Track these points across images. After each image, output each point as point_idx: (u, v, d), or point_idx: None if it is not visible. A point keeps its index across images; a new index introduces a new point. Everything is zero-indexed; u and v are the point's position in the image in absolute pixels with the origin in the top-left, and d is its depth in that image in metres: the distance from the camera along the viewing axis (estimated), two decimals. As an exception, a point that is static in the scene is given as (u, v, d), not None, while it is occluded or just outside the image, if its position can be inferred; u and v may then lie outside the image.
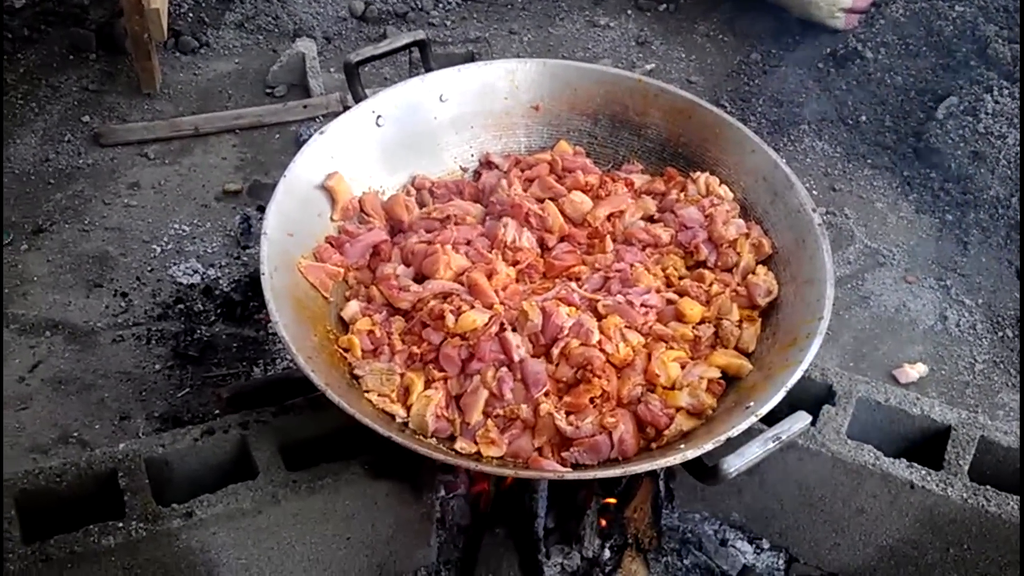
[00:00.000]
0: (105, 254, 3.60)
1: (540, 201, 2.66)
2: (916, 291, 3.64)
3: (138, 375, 3.23)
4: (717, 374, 2.35)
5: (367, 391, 2.28)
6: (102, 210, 3.76)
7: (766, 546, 2.82)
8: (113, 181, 3.87)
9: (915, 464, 2.54)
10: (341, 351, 2.36)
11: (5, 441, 2.99)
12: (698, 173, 2.71)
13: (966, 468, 2.53)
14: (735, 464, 2.04)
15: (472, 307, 2.36)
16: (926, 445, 2.64)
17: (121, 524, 2.27)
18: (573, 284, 2.47)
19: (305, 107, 4.14)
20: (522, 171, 2.76)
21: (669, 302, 2.47)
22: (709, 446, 2.08)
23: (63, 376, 3.21)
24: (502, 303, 2.40)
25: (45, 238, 3.63)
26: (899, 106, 4.22)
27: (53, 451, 3.00)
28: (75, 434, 3.06)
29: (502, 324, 2.33)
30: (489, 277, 2.45)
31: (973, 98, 4.03)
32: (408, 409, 2.27)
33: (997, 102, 3.98)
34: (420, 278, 2.51)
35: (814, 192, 3.93)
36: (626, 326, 2.39)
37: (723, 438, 2.08)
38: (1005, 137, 3.87)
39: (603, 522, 2.62)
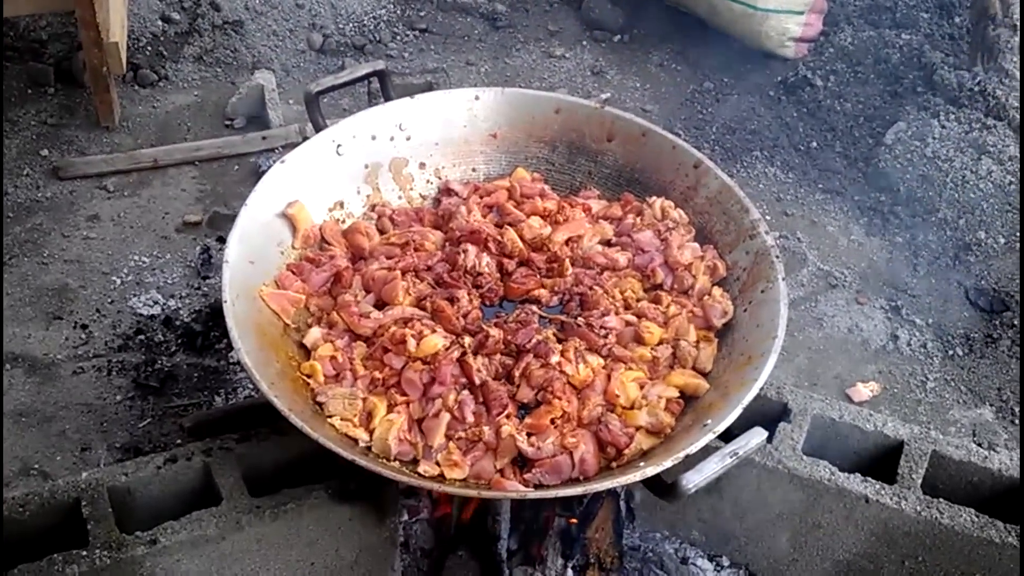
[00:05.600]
0: (65, 286, 3.59)
1: (499, 227, 2.70)
2: (868, 312, 3.71)
3: (99, 406, 3.22)
4: (675, 393, 2.40)
5: (330, 416, 2.30)
6: (61, 243, 3.76)
7: (726, 563, 2.86)
8: (72, 214, 3.87)
9: (869, 479, 2.59)
10: (303, 377, 2.37)
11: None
12: (654, 198, 2.77)
13: (919, 482, 2.59)
14: (693, 480, 2.08)
15: (433, 331, 2.39)
16: (880, 460, 2.70)
17: (85, 553, 2.27)
18: (534, 307, 2.52)
19: (264, 138, 4.16)
20: (481, 198, 2.80)
21: (628, 324, 2.52)
22: (668, 463, 2.12)
23: (23, 408, 3.20)
24: (465, 328, 2.44)
25: (4, 271, 3.62)
26: (849, 132, 4.31)
27: (14, 483, 2.98)
28: (36, 466, 3.04)
29: (463, 350, 2.37)
30: (451, 302, 2.48)
31: (920, 123, 4.12)
32: (371, 433, 2.29)
33: (944, 127, 4.07)
34: (381, 304, 2.54)
35: (767, 216, 4.00)
36: (586, 348, 2.43)
37: (682, 455, 2.12)
38: (952, 161, 3.96)
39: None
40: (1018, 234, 3.80)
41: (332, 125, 2.73)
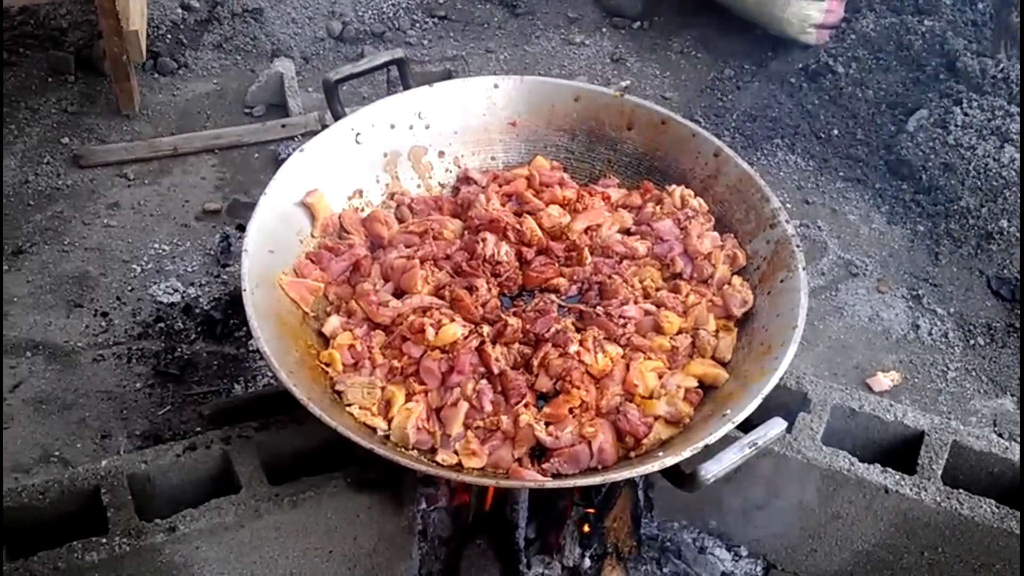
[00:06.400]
0: (85, 274, 3.61)
1: (518, 215, 2.70)
2: (889, 301, 3.69)
3: (119, 394, 3.23)
4: (694, 383, 2.38)
5: (349, 405, 2.30)
6: (82, 231, 3.77)
7: (744, 553, 2.85)
8: (92, 202, 3.88)
9: (889, 469, 2.57)
10: (322, 366, 2.37)
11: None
12: (673, 186, 2.75)
13: (939, 472, 2.58)
14: (712, 470, 2.07)
15: (452, 320, 2.39)
16: (900, 451, 2.68)
17: (104, 540, 2.29)
18: (552, 296, 2.51)
19: (284, 126, 4.17)
20: (500, 186, 2.79)
21: (647, 313, 2.51)
22: (687, 453, 2.11)
23: (44, 396, 3.21)
24: (483, 318, 2.43)
25: (25, 259, 3.64)
26: (870, 119, 4.28)
27: (35, 470, 3.00)
28: (56, 453, 3.06)
29: (482, 339, 2.36)
30: (470, 291, 2.48)
31: (943, 111, 4.10)
32: (389, 422, 2.29)
33: (966, 114, 4.04)
34: (400, 293, 2.53)
35: (788, 205, 3.98)
36: (604, 337, 2.42)
37: (700, 445, 2.11)
38: (975, 148, 3.93)
39: (585, 528, 2.65)
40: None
41: (351, 113, 2.73)
